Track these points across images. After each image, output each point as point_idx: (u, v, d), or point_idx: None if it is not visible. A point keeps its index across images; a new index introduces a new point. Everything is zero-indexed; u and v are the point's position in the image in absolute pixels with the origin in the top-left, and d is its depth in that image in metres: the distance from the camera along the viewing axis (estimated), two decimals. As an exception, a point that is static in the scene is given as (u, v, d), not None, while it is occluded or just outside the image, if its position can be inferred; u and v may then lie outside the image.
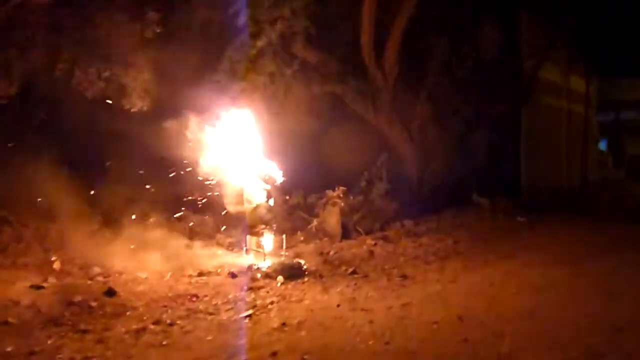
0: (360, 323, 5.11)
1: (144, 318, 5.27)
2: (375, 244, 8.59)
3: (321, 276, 6.82)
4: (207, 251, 7.49)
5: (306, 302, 5.83)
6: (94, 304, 5.50)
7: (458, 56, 11.38)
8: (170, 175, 7.78)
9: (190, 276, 6.68)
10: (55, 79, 7.92)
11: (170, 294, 5.97)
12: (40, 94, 7.99)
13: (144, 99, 8.28)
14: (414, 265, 7.43)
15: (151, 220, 7.78)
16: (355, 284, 6.46)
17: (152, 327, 5.05)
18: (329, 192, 9.26)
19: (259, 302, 5.79)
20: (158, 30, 8.11)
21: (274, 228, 7.31)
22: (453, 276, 6.83)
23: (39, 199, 7.68)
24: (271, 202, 7.35)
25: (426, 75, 11.24)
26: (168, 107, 8.09)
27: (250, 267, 6.85)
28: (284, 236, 7.49)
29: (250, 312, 5.42)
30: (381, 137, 10.96)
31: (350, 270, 7.04)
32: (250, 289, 6.23)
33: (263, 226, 7.19)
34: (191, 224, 8.05)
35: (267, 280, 6.54)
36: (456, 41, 11.30)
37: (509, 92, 12.72)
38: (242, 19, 8.99)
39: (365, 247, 8.43)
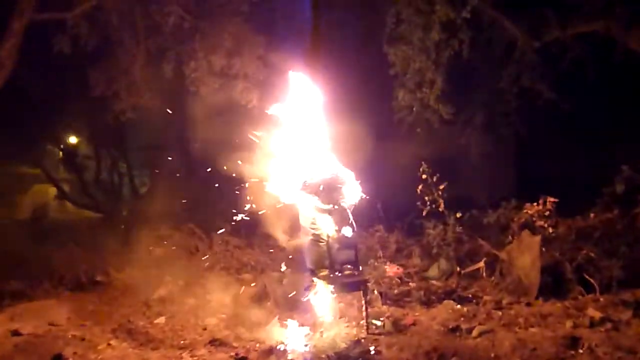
0: None
1: None
2: (602, 319, 4.11)
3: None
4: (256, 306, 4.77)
5: None
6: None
7: None
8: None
9: (193, 347, 4.21)
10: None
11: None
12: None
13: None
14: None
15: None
16: None
17: None
18: (528, 207, 5.17)
19: None
20: None
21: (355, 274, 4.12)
22: None
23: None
24: (347, 231, 4.16)
25: None
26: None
27: (273, 349, 3.88)
28: (377, 292, 4.18)
29: None
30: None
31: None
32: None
33: (324, 272, 4.13)
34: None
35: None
36: None
37: None
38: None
39: (570, 323, 4.13)
